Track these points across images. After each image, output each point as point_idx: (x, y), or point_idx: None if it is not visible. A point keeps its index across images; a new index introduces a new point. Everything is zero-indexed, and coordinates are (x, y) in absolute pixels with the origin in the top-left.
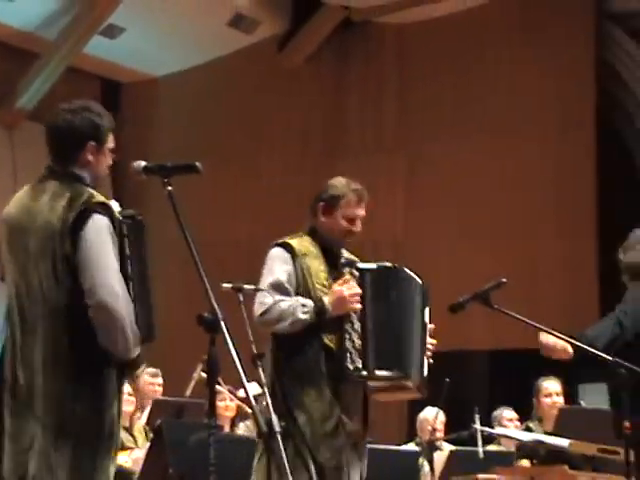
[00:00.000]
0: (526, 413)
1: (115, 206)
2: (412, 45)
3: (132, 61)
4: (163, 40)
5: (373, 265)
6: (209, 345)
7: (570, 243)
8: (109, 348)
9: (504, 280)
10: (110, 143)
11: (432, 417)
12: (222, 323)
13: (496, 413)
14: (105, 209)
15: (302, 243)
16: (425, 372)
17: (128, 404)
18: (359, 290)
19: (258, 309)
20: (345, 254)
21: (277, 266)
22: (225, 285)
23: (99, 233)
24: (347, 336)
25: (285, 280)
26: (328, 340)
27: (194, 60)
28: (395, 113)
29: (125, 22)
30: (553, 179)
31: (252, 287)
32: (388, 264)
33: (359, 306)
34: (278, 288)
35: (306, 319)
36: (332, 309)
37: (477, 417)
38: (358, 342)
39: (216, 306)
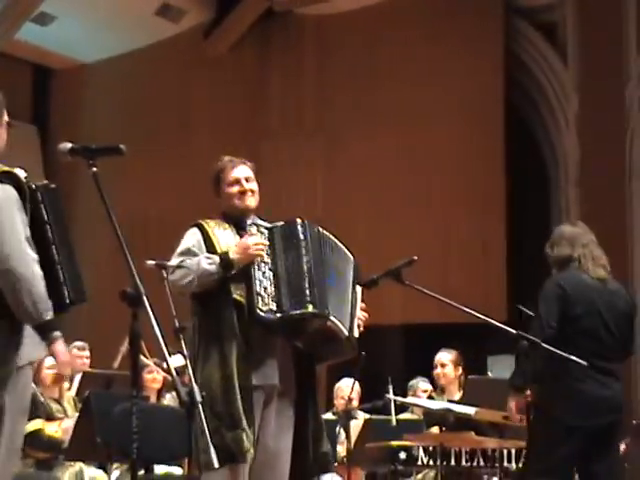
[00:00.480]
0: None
1: (21, 174)
2: (330, 35)
3: (63, 48)
4: (93, 28)
5: (280, 223)
6: (131, 319)
7: (480, 224)
8: (17, 311)
9: (415, 258)
10: (5, 117)
11: (347, 387)
12: (144, 298)
13: (412, 383)
14: (10, 177)
15: (214, 221)
16: (355, 332)
17: (53, 379)
18: (262, 240)
19: (169, 274)
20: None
21: (186, 238)
22: (149, 262)
23: (6, 201)
24: (257, 282)
25: (192, 245)
26: (238, 295)
27: (123, 47)
28: (314, 99)
29: (56, 10)
30: (463, 163)
31: (174, 263)
32: (295, 219)
33: (264, 255)
34: (186, 253)
35: (212, 270)
36: (237, 259)
37: (390, 388)
38: (271, 289)
39: (138, 282)
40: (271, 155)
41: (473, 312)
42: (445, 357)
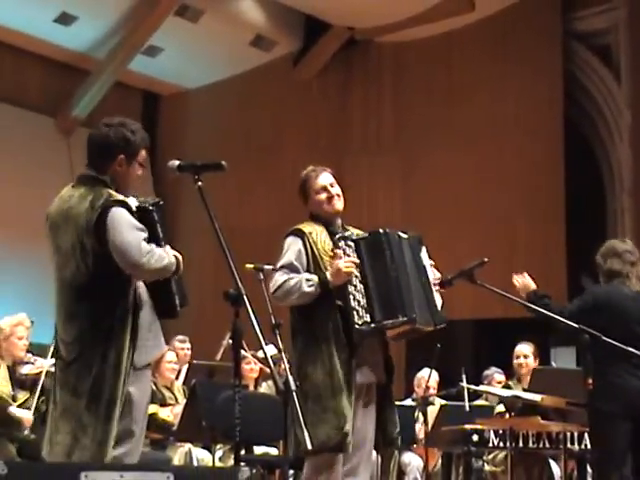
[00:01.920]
0: (507, 375)
1: (133, 202)
2: (407, 60)
3: (169, 76)
4: (195, 57)
5: (365, 234)
6: (234, 317)
7: (542, 230)
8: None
9: (485, 260)
10: (141, 157)
11: (426, 377)
12: (244, 298)
13: (487, 373)
14: (122, 204)
15: (307, 225)
16: (438, 305)
17: (171, 371)
18: (352, 258)
19: (272, 288)
20: (349, 231)
21: (289, 249)
22: (248, 265)
23: (119, 221)
24: (351, 297)
25: (294, 259)
26: (339, 302)
27: (221, 75)
28: (391, 120)
29: (163, 43)
30: (527, 175)
31: (271, 267)
32: (378, 230)
33: (355, 271)
34: (289, 267)
35: (311, 291)
36: (332, 280)
37: (464, 377)
38: (363, 301)
39: (240, 283)
40: (352, 172)
41: (537, 308)
42: (527, 349)
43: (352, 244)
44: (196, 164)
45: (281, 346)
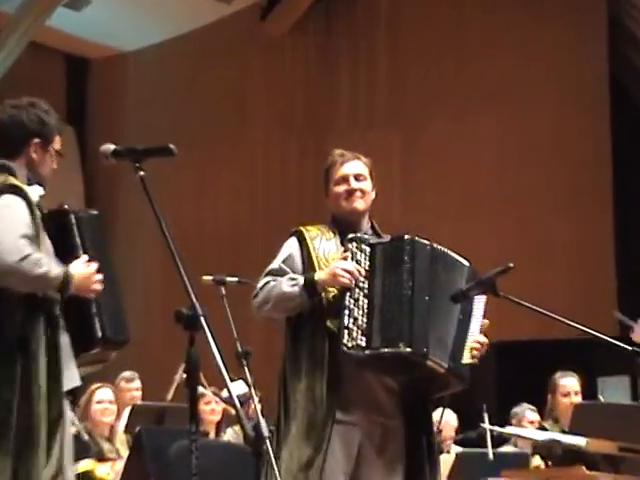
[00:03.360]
0: (539, 411)
1: (35, 191)
2: (406, 9)
3: (99, 35)
4: (133, 12)
5: (386, 239)
6: (188, 344)
7: (584, 224)
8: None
9: (511, 265)
10: (56, 144)
11: (437, 417)
12: (202, 319)
13: (517, 410)
14: (17, 191)
15: (318, 228)
16: (464, 361)
17: (105, 413)
18: (354, 266)
19: (253, 296)
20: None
21: (281, 252)
22: (206, 278)
23: (5, 207)
24: (347, 312)
25: (282, 261)
26: (330, 323)
27: (167, 33)
28: (388, 85)
29: None
30: (563, 150)
31: (235, 279)
32: (403, 235)
33: (360, 281)
34: (274, 273)
35: (293, 293)
36: (322, 282)
37: (486, 416)
38: (362, 320)
39: (195, 301)
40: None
41: (579, 325)
42: (576, 384)
43: (367, 248)
44: (137, 148)
45: (250, 381)
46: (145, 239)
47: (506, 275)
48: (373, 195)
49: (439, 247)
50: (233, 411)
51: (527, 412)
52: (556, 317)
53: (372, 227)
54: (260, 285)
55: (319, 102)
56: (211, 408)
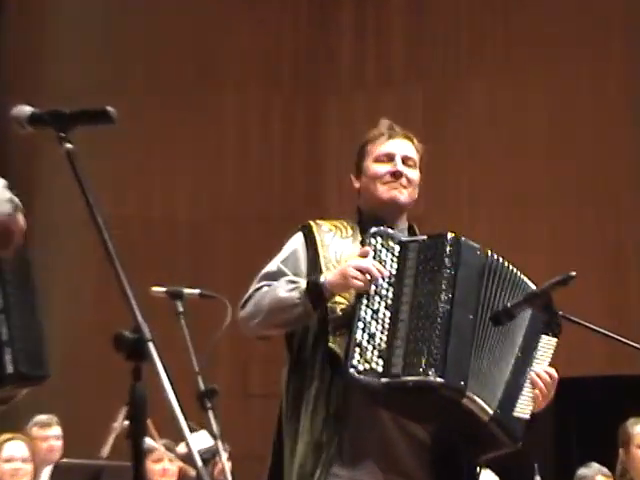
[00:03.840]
0: (610, 468)
1: None
2: None
3: None
4: None
5: (422, 237)
6: (133, 380)
7: None
8: None
9: (573, 274)
10: None
11: None
12: (151, 345)
13: (585, 472)
14: None
15: (334, 223)
16: (517, 414)
17: (21, 475)
18: (378, 265)
19: (240, 306)
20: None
21: (281, 252)
22: (156, 289)
23: None
24: (360, 325)
25: (282, 261)
26: (335, 342)
27: None
28: (403, 33)
29: None
30: (632, 114)
31: (196, 292)
32: (445, 233)
33: (364, 284)
34: (272, 275)
35: (290, 298)
36: (330, 285)
37: (538, 479)
38: (380, 337)
39: (142, 320)
40: (341, 118)
41: None
42: None
43: (396, 247)
44: (63, 113)
45: (217, 431)
46: (73, 238)
47: (566, 287)
48: (417, 193)
49: (495, 255)
50: (193, 472)
51: (599, 477)
52: (632, 344)
53: (410, 230)
54: (250, 292)
55: (313, 52)
56: (163, 467)
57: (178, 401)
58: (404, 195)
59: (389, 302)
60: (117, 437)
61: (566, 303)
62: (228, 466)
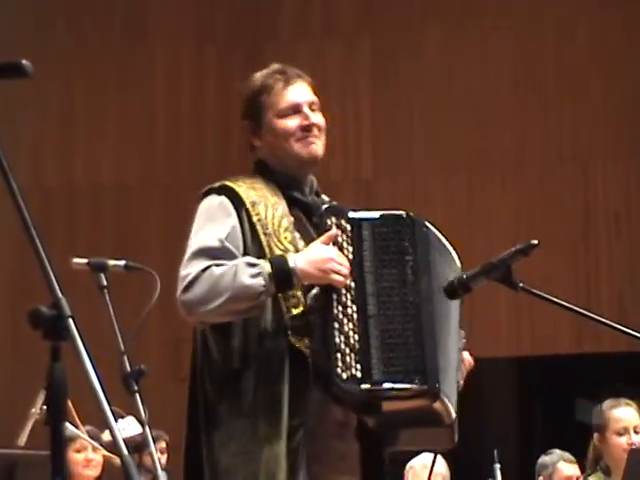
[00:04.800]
0: (578, 456)
1: None
2: None
3: None
4: None
5: (374, 214)
6: (50, 360)
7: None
8: None
9: (535, 242)
10: None
11: (424, 466)
12: (71, 322)
13: (546, 460)
14: None
15: (252, 185)
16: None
17: None
18: (339, 254)
19: (179, 287)
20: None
21: (209, 222)
22: (77, 261)
23: None
24: (336, 325)
25: (224, 237)
26: (297, 339)
27: None
28: None
29: None
30: (605, 77)
31: (121, 263)
32: (400, 212)
33: (348, 281)
34: (217, 253)
35: (257, 285)
36: (301, 273)
37: (497, 467)
38: (354, 337)
39: (61, 295)
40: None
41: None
42: (636, 416)
43: (347, 226)
44: None
45: (145, 417)
46: None
47: (528, 257)
48: None
49: (432, 228)
50: (118, 462)
51: (560, 463)
52: (600, 319)
53: (312, 186)
54: (193, 272)
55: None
56: (85, 457)
57: (101, 384)
58: (320, 147)
59: (353, 293)
60: (35, 424)
61: (529, 275)
62: (159, 457)
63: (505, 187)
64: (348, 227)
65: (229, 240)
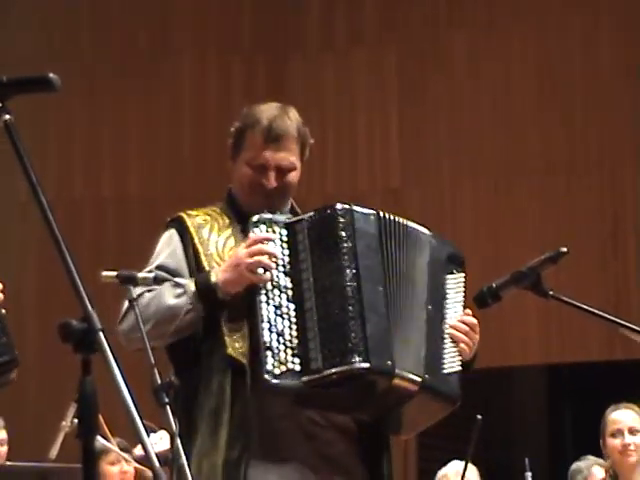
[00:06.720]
0: None
1: None
2: None
3: None
4: None
5: (307, 214)
6: (82, 374)
7: None
8: None
9: (564, 249)
10: None
11: (456, 474)
12: (101, 335)
13: (580, 465)
14: None
15: (207, 213)
16: (448, 367)
17: None
18: (268, 248)
19: (118, 321)
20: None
21: (157, 254)
22: (107, 274)
23: None
24: (265, 325)
25: (160, 265)
26: (235, 349)
27: None
28: None
29: None
30: (633, 81)
31: (151, 275)
32: (333, 205)
33: (267, 274)
34: (147, 282)
35: (179, 304)
36: (223, 283)
37: (529, 475)
38: (289, 334)
39: (91, 308)
40: (305, 83)
41: None
42: (631, 419)
43: (283, 231)
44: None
45: (176, 429)
46: (13, 218)
47: (557, 265)
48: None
49: (388, 216)
50: (150, 474)
51: (596, 468)
52: (631, 326)
53: (292, 208)
54: (126, 305)
55: (274, 15)
56: (121, 470)
57: (132, 397)
58: (279, 202)
59: (290, 293)
60: (66, 437)
61: (557, 282)
62: (189, 470)
63: (532, 193)
64: (284, 232)
65: (168, 266)
